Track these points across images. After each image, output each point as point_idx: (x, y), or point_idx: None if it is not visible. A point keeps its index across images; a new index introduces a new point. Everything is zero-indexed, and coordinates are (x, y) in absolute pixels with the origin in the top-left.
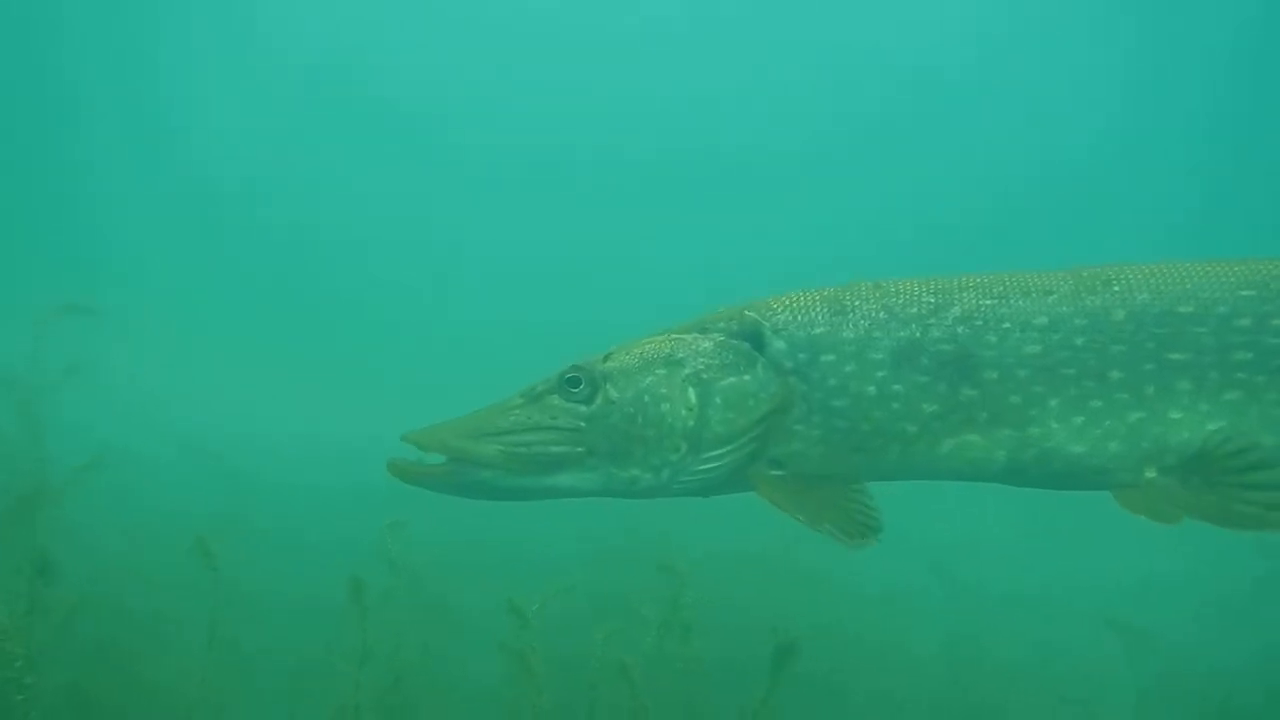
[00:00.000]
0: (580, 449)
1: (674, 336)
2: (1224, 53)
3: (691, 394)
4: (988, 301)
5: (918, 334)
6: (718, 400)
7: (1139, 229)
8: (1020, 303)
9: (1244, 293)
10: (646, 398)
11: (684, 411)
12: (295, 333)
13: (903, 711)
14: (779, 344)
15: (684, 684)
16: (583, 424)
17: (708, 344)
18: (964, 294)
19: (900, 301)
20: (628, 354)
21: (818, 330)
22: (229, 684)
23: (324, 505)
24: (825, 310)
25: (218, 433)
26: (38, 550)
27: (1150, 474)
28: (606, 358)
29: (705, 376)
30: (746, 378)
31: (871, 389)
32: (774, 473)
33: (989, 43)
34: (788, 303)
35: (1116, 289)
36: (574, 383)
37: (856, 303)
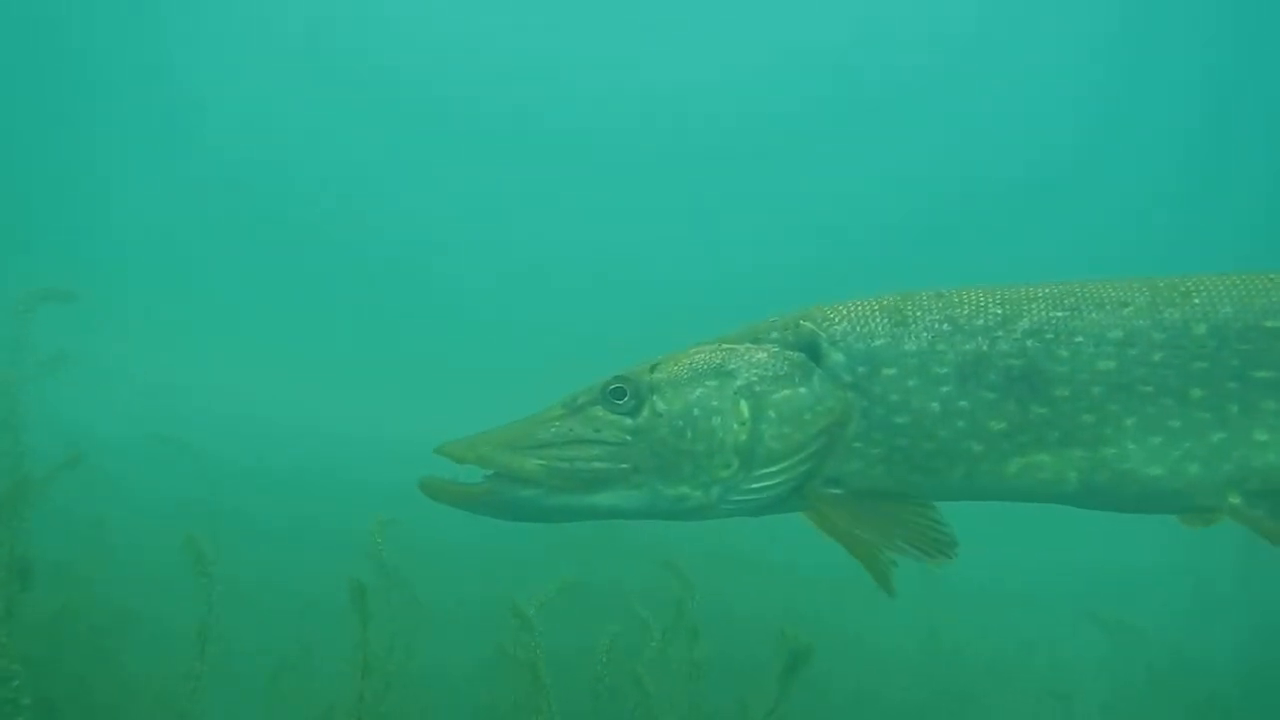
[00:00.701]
0: (625, 465)
1: (725, 346)
2: (1204, 50)
3: (744, 407)
4: (1059, 314)
5: (984, 347)
6: (772, 414)
7: (1117, 226)
8: (1094, 315)
9: None
10: (696, 410)
11: (736, 425)
12: (299, 328)
13: (886, 708)
14: (837, 356)
15: (676, 680)
16: (628, 438)
17: (761, 355)
18: (1033, 305)
19: (965, 312)
20: (676, 364)
21: (878, 342)
22: (213, 682)
23: (317, 502)
24: (885, 321)
25: (215, 428)
26: (17, 554)
27: (1234, 499)
28: (653, 368)
29: (759, 389)
30: (802, 390)
31: (935, 405)
32: (833, 491)
33: (967, 39)
34: (845, 312)
35: (1197, 301)
36: (618, 394)
37: (918, 313)
